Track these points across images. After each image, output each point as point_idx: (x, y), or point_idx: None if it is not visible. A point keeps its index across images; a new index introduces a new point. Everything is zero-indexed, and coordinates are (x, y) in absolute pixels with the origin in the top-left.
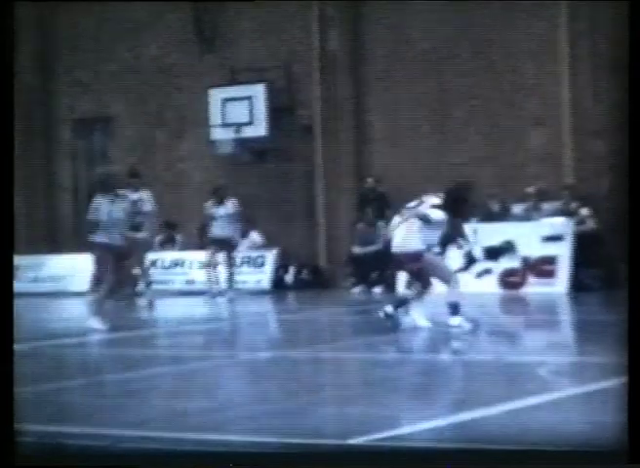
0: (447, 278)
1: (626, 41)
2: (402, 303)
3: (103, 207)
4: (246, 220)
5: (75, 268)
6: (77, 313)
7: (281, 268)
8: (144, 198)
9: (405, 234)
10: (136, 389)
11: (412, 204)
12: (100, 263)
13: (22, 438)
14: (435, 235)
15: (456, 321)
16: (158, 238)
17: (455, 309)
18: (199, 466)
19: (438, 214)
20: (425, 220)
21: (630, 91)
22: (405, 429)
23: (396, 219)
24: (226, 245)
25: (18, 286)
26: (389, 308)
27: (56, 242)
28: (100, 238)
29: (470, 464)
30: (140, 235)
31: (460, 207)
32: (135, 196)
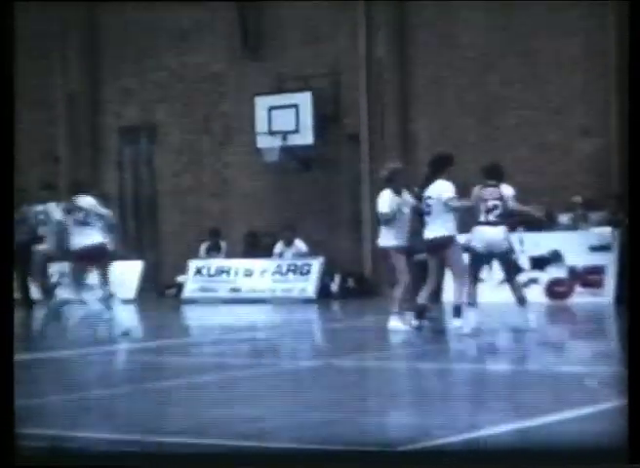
0: (460, 273)
1: (626, 41)
2: (422, 311)
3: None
4: (291, 229)
5: (121, 276)
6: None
7: (326, 277)
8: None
9: (437, 219)
10: (178, 397)
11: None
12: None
13: (22, 439)
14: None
15: (457, 323)
16: (204, 245)
17: (457, 312)
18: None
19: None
20: (450, 206)
21: (630, 91)
22: (452, 438)
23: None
24: None
25: (61, 292)
26: (414, 322)
27: None
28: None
29: (470, 464)
30: (42, 247)
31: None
32: (39, 208)
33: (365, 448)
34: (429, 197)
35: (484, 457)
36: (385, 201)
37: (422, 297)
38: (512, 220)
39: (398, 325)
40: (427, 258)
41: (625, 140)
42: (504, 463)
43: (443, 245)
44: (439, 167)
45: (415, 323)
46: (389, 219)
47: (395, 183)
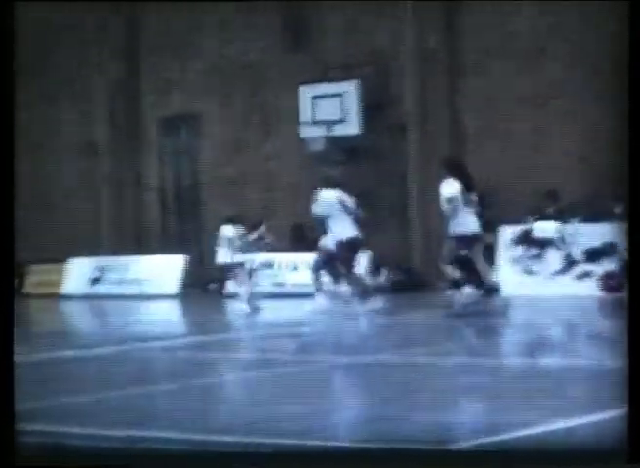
0: (486, 270)
1: (626, 41)
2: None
3: None
4: None
5: (161, 270)
6: (162, 316)
7: (374, 270)
8: None
9: (466, 216)
10: (222, 395)
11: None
12: None
13: (22, 438)
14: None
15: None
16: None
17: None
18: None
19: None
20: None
21: (630, 91)
22: (503, 435)
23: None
24: None
25: (102, 288)
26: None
27: (141, 243)
28: None
29: (470, 464)
30: None
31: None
32: None
33: (413, 446)
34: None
35: (484, 457)
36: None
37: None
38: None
39: None
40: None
41: None
42: (505, 463)
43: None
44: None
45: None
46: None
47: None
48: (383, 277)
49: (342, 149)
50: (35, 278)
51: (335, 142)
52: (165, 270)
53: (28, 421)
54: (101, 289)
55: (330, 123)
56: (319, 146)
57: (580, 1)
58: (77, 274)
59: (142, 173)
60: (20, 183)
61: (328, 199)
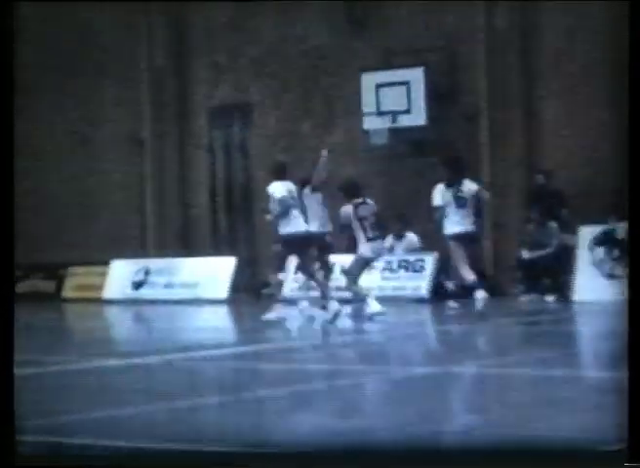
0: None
1: (626, 41)
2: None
3: None
4: (402, 220)
5: (212, 273)
6: (213, 323)
7: (442, 274)
8: None
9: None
10: (276, 407)
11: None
12: None
13: (23, 438)
14: None
15: None
16: (390, 236)
17: None
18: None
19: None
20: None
21: (630, 91)
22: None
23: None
24: None
25: (148, 292)
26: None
27: (190, 244)
28: None
29: (470, 464)
30: None
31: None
32: None
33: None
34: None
35: (483, 457)
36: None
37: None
38: None
39: None
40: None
41: None
42: (505, 463)
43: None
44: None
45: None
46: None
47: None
48: (452, 282)
49: (408, 142)
50: (75, 281)
51: (400, 134)
52: (215, 273)
53: (66, 435)
54: (146, 293)
55: (395, 113)
56: (382, 139)
57: None
58: (119, 277)
59: (191, 168)
60: (58, 180)
61: (278, 191)
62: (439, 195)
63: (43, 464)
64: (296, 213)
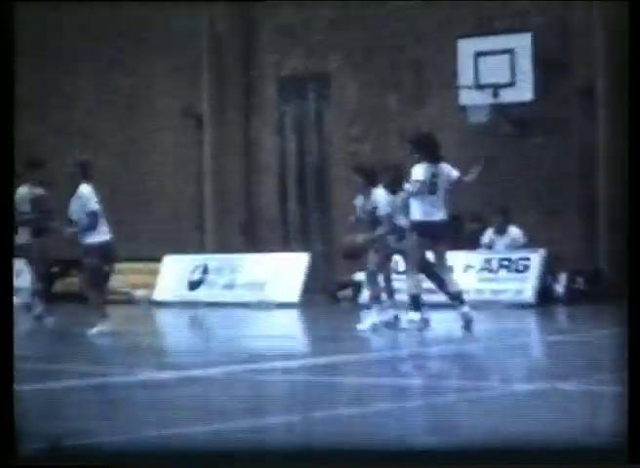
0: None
1: (626, 41)
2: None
3: None
4: (503, 212)
5: (281, 272)
6: (282, 330)
7: (549, 275)
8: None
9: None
10: (353, 428)
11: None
12: None
13: (22, 438)
14: None
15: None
16: (490, 229)
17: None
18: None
19: None
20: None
21: (630, 91)
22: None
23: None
24: None
25: (206, 293)
26: None
27: (255, 238)
28: None
29: (470, 464)
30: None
31: None
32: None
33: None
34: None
35: (484, 457)
36: None
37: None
38: None
39: None
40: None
41: None
42: (505, 463)
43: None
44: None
45: None
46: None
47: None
48: (561, 283)
49: (512, 120)
50: (120, 279)
51: (502, 111)
52: (284, 272)
53: (132, 462)
54: (204, 294)
55: (496, 87)
56: (482, 117)
57: None
58: (174, 275)
59: (257, 148)
60: (101, 162)
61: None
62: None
63: (43, 464)
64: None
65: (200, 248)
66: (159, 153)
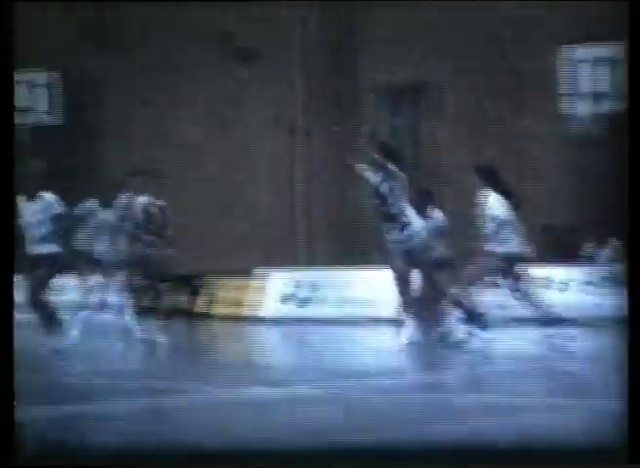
0: None
1: (626, 41)
2: None
3: None
4: (604, 223)
5: (381, 288)
6: (389, 346)
7: None
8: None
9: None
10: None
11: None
12: None
13: (22, 438)
14: None
15: None
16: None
17: None
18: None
19: None
20: None
21: (630, 91)
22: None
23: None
24: None
25: (300, 309)
26: None
27: (354, 251)
28: None
29: (471, 464)
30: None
31: None
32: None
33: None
34: None
35: (484, 457)
36: None
37: None
38: None
39: None
40: None
41: None
42: (505, 463)
43: None
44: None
45: None
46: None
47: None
48: None
49: (615, 130)
50: (213, 294)
51: (604, 121)
52: (386, 288)
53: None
54: (299, 310)
55: (598, 95)
56: (583, 126)
57: None
58: (268, 290)
59: (355, 158)
60: (194, 173)
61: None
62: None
63: (43, 464)
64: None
65: (298, 261)
66: (252, 165)
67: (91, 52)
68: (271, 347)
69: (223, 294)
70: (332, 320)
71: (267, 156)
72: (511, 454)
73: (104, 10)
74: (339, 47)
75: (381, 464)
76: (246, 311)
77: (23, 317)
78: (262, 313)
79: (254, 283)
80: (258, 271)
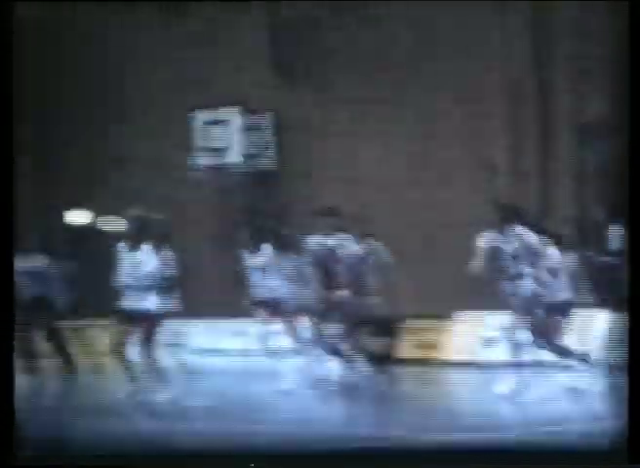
0: None
1: (626, 41)
2: None
3: None
4: None
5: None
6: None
7: None
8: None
9: None
10: None
11: None
12: None
13: (22, 438)
14: None
15: None
16: None
17: None
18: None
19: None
20: None
21: (630, 90)
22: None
23: None
24: None
25: (502, 353)
26: None
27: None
28: None
29: (471, 464)
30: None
31: None
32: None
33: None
34: None
35: (485, 456)
36: None
37: None
38: None
39: None
40: None
41: None
42: (505, 463)
43: None
44: None
45: None
46: None
47: None
48: None
49: None
50: (411, 338)
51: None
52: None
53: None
54: (501, 354)
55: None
56: None
57: None
58: (465, 333)
59: (554, 199)
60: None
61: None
62: None
63: (43, 464)
64: None
65: (493, 305)
66: (449, 206)
67: None
68: (470, 391)
69: (421, 338)
70: (547, 363)
71: (468, 195)
72: (512, 455)
73: None
74: (539, 83)
75: None
76: (448, 355)
77: None
78: (466, 357)
79: (455, 326)
80: (458, 314)
